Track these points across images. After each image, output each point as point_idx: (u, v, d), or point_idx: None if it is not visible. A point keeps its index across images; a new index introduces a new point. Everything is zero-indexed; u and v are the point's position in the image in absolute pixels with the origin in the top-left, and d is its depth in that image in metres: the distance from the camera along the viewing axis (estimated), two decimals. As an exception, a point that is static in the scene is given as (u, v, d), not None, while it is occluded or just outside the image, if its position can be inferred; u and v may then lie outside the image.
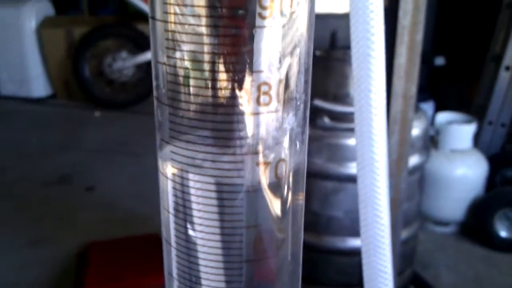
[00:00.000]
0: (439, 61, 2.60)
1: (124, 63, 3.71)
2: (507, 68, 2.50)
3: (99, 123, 3.57)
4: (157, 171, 0.33)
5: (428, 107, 2.53)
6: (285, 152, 0.26)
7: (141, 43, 3.73)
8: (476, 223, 2.03)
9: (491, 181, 2.20)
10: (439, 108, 2.99)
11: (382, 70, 0.30)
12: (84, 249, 1.89)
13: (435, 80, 3.35)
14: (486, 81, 2.70)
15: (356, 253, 1.30)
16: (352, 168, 1.23)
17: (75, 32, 3.79)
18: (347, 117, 1.18)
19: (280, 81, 0.24)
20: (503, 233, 1.98)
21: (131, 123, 3.57)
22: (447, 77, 3.66)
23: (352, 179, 1.26)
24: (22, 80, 3.90)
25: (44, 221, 2.21)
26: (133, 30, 3.75)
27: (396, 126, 0.80)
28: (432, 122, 2.16)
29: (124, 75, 3.77)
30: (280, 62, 0.24)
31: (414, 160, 1.13)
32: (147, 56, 3.70)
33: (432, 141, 2.09)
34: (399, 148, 0.84)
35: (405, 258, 1.25)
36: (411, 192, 1.18)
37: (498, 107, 2.55)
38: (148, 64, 3.77)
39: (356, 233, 1.36)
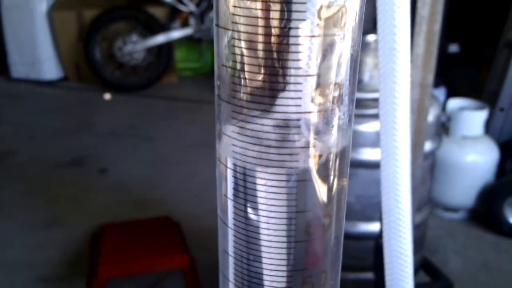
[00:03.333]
0: (453, 48, 2.59)
1: (135, 46, 3.72)
2: (520, 54, 2.48)
3: (110, 106, 3.59)
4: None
5: (439, 93, 2.52)
6: (333, 142, 0.29)
7: (152, 26, 3.73)
8: (486, 209, 2.04)
9: (502, 167, 2.20)
10: (450, 93, 2.99)
11: (407, 63, 0.31)
12: (98, 230, 1.92)
13: (447, 65, 3.32)
14: (498, 68, 2.68)
15: (367, 238, 1.32)
16: (363, 154, 1.24)
17: (86, 14, 3.79)
18: (360, 103, 1.19)
19: (333, 82, 0.27)
20: (512, 220, 1.99)
21: (142, 106, 3.59)
22: (459, 62, 3.63)
23: (364, 164, 1.27)
24: (33, 63, 3.92)
25: (57, 203, 2.24)
26: (144, 13, 3.75)
27: (413, 114, 0.81)
28: (443, 108, 2.16)
29: (134, 59, 3.78)
30: (333, 65, 0.27)
31: (426, 146, 1.13)
32: (158, 39, 3.71)
33: (443, 127, 2.09)
34: (415, 136, 0.85)
35: (415, 243, 1.26)
36: (423, 178, 1.19)
37: (510, 93, 2.53)
38: (158, 47, 3.77)
39: (367, 218, 1.37)
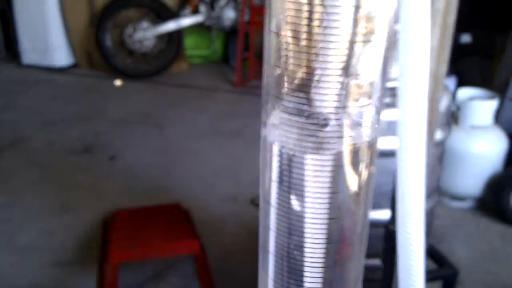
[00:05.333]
0: (465, 38, 2.57)
1: (145, 33, 3.74)
2: (532, 44, 2.46)
3: (121, 93, 3.62)
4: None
5: (450, 82, 2.52)
6: (366, 133, 0.34)
7: (163, 14, 3.74)
8: (493, 199, 2.05)
9: (511, 157, 2.20)
10: (461, 82, 2.98)
11: (426, 59, 0.34)
12: (109, 217, 1.96)
13: (458, 54, 3.31)
14: (508, 59, 2.67)
15: (376, 225, 1.33)
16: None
17: (97, 1, 3.81)
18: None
19: (369, 81, 0.32)
20: (520, 210, 2.00)
21: (152, 94, 3.62)
22: (470, 52, 3.61)
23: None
24: (44, 50, 3.95)
25: (70, 189, 2.28)
26: (156, 0, 3.76)
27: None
28: (453, 97, 2.16)
29: (145, 46, 3.80)
30: (369, 65, 0.32)
31: (437, 135, 1.14)
32: (168, 26, 3.72)
33: (453, 116, 2.09)
34: (427, 125, 0.85)
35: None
36: (433, 166, 1.20)
37: (520, 83, 2.52)
38: (169, 35, 3.78)
39: (376, 206, 1.39)
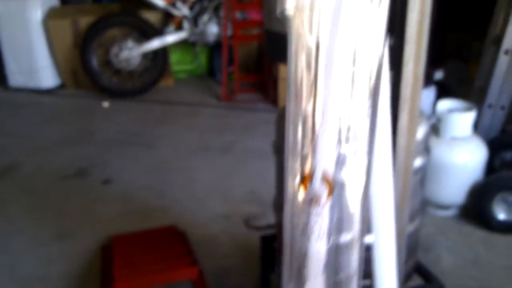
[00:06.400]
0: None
1: (131, 52, 3.78)
2: (506, 52, 2.56)
3: (109, 113, 3.66)
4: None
5: (429, 93, 2.61)
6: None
7: (147, 32, 3.79)
8: (476, 206, 2.13)
9: (491, 164, 2.29)
10: (440, 86, 3.07)
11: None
12: (108, 243, 2.02)
13: (438, 59, 3.40)
14: (486, 64, 2.76)
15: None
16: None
17: (81, 22, 3.85)
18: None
19: None
20: (501, 216, 2.09)
21: (140, 112, 3.67)
22: (448, 55, 3.72)
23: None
24: (30, 72, 3.98)
25: (65, 215, 2.33)
26: (139, 19, 3.81)
27: (402, 137, 0.88)
28: (433, 109, 2.25)
29: (131, 64, 3.84)
30: None
31: (416, 162, 1.22)
32: (153, 44, 3.77)
33: (433, 128, 2.18)
34: (405, 156, 0.92)
35: (409, 249, 1.35)
36: (415, 191, 1.27)
37: (497, 90, 2.62)
38: (154, 52, 3.84)
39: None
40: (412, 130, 0.88)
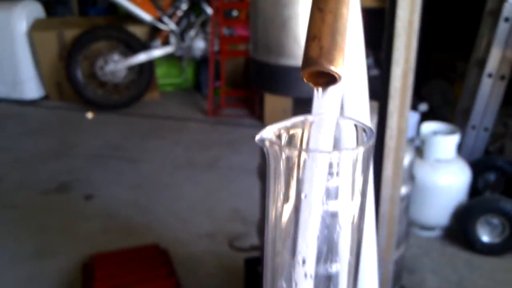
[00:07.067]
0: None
1: (116, 65, 3.76)
2: (490, 75, 2.59)
3: (93, 126, 3.62)
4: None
5: (413, 115, 2.62)
6: None
7: (133, 45, 3.77)
8: (460, 228, 2.14)
9: (475, 185, 2.31)
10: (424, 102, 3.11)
11: None
12: (89, 261, 1.98)
13: (422, 78, 3.45)
14: (470, 86, 2.79)
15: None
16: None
17: (67, 34, 3.82)
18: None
19: None
20: (485, 238, 2.10)
21: (125, 125, 3.63)
22: (432, 75, 3.77)
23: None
24: (14, 83, 3.93)
25: (46, 232, 2.28)
26: (125, 33, 3.79)
27: (391, 164, 0.88)
28: (417, 131, 2.26)
29: (116, 77, 3.82)
30: None
31: (402, 190, 1.22)
32: (139, 58, 3.75)
33: (417, 150, 2.19)
34: (392, 184, 0.92)
35: (395, 275, 1.35)
36: (400, 218, 1.27)
37: (481, 112, 2.65)
38: (140, 66, 3.82)
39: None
40: (396, 182, 0.88)
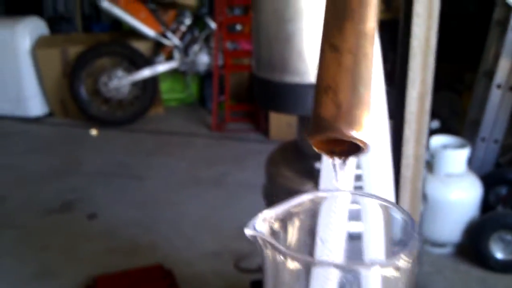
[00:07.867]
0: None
1: (120, 81, 3.74)
2: (499, 86, 2.54)
3: (97, 143, 3.59)
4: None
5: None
6: None
7: (137, 61, 3.76)
8: (472, 245, 2.08)
9: (486, 198, 2.25)
10: (432, 115, 3.05)
11: None
12: (92, 283, 1.93)
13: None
14: (478, 97, 2.74)
15: None
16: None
17: (70, 51, 3.81)
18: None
19: None
20: (498, 255, 2.03)
21: (129, 142, 3.60)
22: (440, 86, 3.72)
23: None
24: (18, 100, 3.92)
25: (49, 252, 2.24)
26: (128, 48, 3.77)
27: (407, 185, 0.84)
28: (427, 146, 2.21)
29: (120, 93, 3.79)
30: None
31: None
32: (143, 74, 3.73)
33: (427, 165, 2.14)
34: (411, 207, 0.88)
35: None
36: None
37: (490, 123, 2.59)
38: (144, 81, 3.80)
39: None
40: (414, 212, 0.83)
